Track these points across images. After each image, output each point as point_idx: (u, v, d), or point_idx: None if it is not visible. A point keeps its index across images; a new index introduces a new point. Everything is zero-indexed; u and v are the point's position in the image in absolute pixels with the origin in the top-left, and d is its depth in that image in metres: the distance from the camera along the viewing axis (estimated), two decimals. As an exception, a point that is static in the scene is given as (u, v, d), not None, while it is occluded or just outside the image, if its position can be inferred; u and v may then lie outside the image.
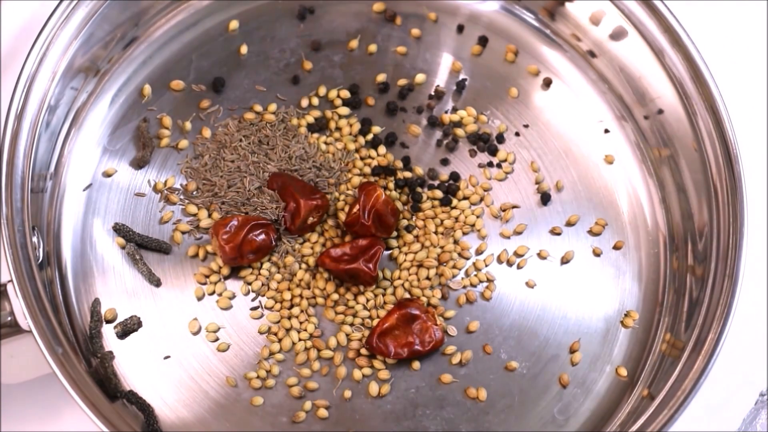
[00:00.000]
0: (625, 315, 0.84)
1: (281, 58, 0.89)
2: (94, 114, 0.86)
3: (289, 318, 0.82)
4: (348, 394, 0.80)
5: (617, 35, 0.88)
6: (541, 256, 0.85)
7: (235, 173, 0.85)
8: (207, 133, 0.86)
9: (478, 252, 0.85)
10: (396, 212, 0.84)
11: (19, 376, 0.79)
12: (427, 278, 0.84)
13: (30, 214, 0.77)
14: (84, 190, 0.84)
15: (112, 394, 0.78)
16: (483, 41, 0.91)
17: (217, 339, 0.81)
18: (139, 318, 0.81)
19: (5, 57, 0.87)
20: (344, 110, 0.88)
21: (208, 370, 0.80)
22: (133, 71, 0.87)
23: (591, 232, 0.86)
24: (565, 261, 0.85)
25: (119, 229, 0.83)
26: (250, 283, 0.83)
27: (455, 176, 0.87)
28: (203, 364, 0.80)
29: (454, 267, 0.84)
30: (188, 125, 0.87)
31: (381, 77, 0.89)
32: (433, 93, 0.89)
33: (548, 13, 0.91)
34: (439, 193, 0.86)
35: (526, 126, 0.89)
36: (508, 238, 0.86)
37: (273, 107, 0.88)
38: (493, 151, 0.88)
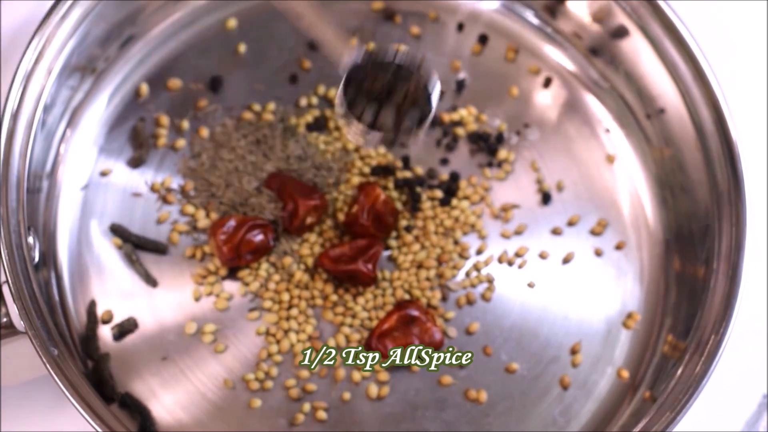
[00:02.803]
0: (627, 316, 0.84)
1: (279, 57, 0.89)
2: (90, 113, 0.85)
3: (288, 319, 0.81)
4: (347, 396, 0.80)
5: (619, 34, 0.87)
6: (542, 256, 0.85)
7: (233, 173, 0.84)
8: (204, 132, 0.86)
9: (479, 252, 0.85)
10: (395, 212, 0.84)
11: (17, 378, 0.79)
12: (427, 279, 0.83)
13: (26, 215, 0.76)
14: (81, 190, 0.83)
15: (108, 396, 0.77)
16: (483, 40, 0.91)
17: (214, 340, 0.81)
18: (135, 319, 0.80)
19: (2, 55, 0.87)
20: (343, 109, 0.88)
21: (206, 372, 0.80)
22: (130, 70, 0.87)
23: (592, 232, 0.86)
24: (566, 261, 0.85)
25: (116, 230, 0.82)
26: (248, 284, 0.82)
27: (455, 176, 0.86)
28: (200, 365, 0.80)
29: (454, 267, 0.84)
30: (185, 124, 0.86)
31: (380, 76, 0.89)
32: (432, 92, 0.89)
33: (549, 11, 0.90)
34: (438, 193, 0.85)
35: (526, 125, 0.88)
36: (509, 238, 0.85)
37: (271, 106, 0.87)
38: (493, 151, 0.87)
